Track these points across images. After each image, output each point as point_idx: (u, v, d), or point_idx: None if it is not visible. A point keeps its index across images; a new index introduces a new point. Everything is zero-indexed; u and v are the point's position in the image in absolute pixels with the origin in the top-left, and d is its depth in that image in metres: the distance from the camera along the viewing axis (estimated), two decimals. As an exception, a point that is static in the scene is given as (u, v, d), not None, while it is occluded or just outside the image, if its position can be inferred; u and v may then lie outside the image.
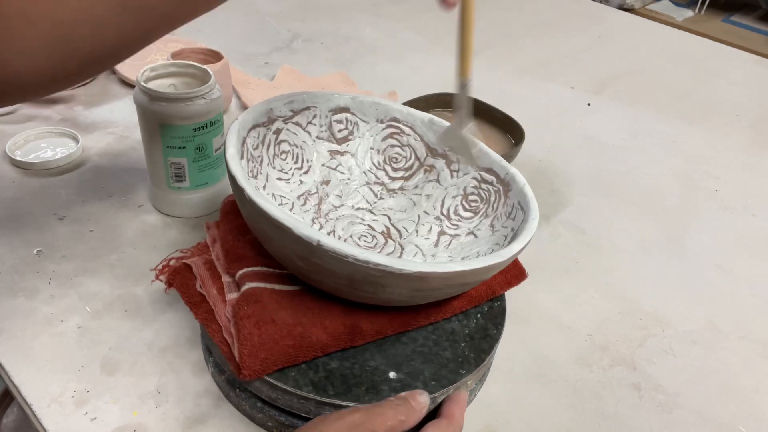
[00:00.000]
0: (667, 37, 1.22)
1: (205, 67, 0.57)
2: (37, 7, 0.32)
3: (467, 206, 0.52)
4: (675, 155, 0.83)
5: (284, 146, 0.51)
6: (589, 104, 0.93)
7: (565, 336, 0.54)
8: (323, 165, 0.54)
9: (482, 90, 0.80)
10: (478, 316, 0.47)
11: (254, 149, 0.48)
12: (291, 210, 0.52)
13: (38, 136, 0.67)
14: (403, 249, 0.52)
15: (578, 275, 0.61)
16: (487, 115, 0.75)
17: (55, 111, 0.73)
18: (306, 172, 0.53)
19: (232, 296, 0.43)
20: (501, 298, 0.49)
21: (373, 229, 0.53)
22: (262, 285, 0.43)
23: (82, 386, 0.44)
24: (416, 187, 0.55)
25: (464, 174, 0.53)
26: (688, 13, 1.65)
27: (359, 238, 0.52)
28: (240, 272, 0.44)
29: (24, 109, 0.73)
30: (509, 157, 0.67)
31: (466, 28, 0.41)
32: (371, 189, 0.55)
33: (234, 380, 0.43)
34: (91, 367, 0.46)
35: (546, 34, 1.16)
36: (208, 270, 0.45)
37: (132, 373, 0.46)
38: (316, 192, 0.53)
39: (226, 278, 0.44)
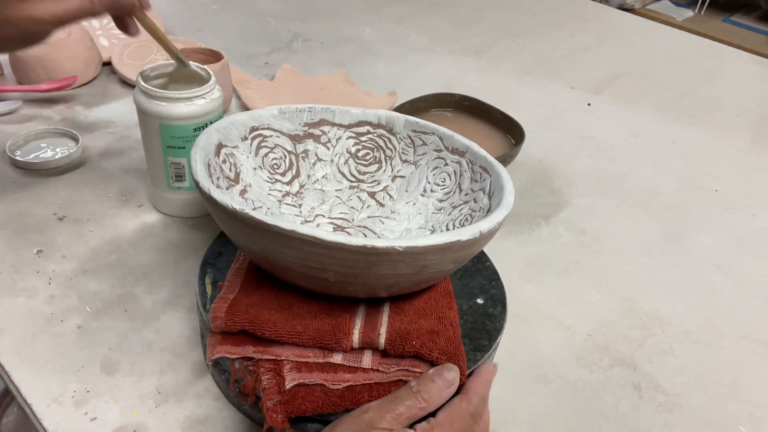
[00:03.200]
0: (667, 37, 1.22)
1: (205, 67, 0.57)
2: None
3: (365, 161, 0.54)
4: (675, 155, 0.83)
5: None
6: (589, 104, 0.93)
7: (565, 336, 0.54)
8: (268, 209, 0.51)
9: (482, 90, 0.80)
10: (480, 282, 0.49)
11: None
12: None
13: (38, 136, 0.67)
14: (366, 228, 0.53)
15: (578, 275, 0.61)
16: (487, 115, 0.75)
17: (55, 111, 0.73)
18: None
19: (368, 358, 0.41)
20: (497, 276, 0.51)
21: (361, 201, 0.54)
22: (382, 324, 0.42)
23: (82, 386, 0.44)
24: (309, 176, 0.54)
25: (337, 140, 0.54)
26: (688, 13, 1.65)
27: (339, 205, 0.54)
28: (355, 337, 0.41)
29: (24, 109, 0.73)
30: (509, 157, 0.67)
31: (158, 35, 0.54)
32: (286, 203, 0.52)
33: (234, 381, 0.43)
34: (91, 367, 0.46)
35: (546, 34, 1.16)
36: (312, 371, 0.40)
37: (132, 373, 0.46)
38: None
39: (337, 357, 0.41)
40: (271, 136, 0.53)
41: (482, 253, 0.52)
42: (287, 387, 0.38)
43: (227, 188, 0.47)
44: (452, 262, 0.40)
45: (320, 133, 0.54)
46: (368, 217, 0.53)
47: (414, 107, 0.74)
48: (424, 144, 0.53)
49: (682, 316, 0.58)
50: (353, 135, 0.54)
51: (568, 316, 0.56)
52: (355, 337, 0.41)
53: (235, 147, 0.50)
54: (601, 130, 0.87)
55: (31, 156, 0.65)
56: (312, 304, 0.43)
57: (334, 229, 0.53)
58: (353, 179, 0.55)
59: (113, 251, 0.56)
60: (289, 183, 0.53)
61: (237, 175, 0.49)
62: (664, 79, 1.04)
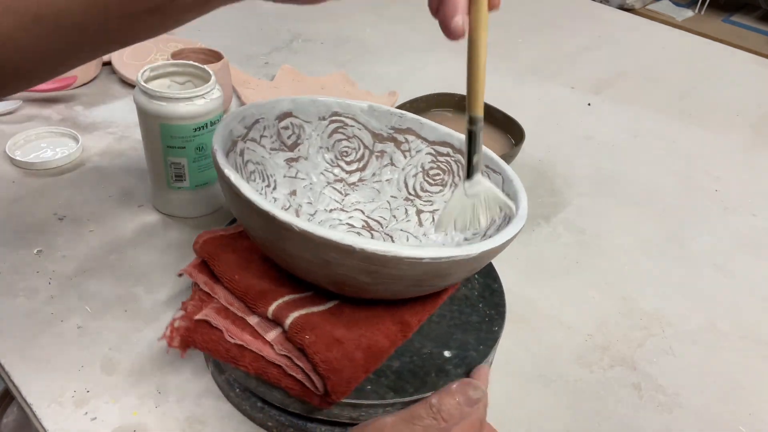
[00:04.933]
0: (667, 37, 1.22)
1: (205, 67, 0.57)
2: None
3: (431, 181, 0.53)
4: (675, 155, 0.83)
5: (250, 166, 0.50)
6: (589, 104, 0.93)
7: (565, 336, 0.54)
8: (284, 176, 0.53)
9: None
10: (475, 276, 0.49)
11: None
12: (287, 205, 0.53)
13: (38, 136, 0.67)
14: (391, 237, 0.52)
15: (578, 275, 0.61)
16: (487, 115, 0.74)
17: (55, 111, 0.73)
18: (274, 189, 0.52)
19: (273, 335, 0.40)
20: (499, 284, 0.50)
21: (353, 226, 0.54)
22: (304, 312, 0.41)
23: (82, 386, 0.44)
24: (374, 174, 0.55)
25: (416, 152, 0.54)
26: (688, 13, 1.65)
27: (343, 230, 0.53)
28: (272, 307, 0.41)
29: (24, 109, 0.73)
30: (509, 157, 0.67)
31: (475, 58, 0.34)
32: (334, 187, 0.55)
33: (234, 380, 0.43)
34: (91, 367, 0.46)
35: (546, 34, 1.16)
36: (227, 318, 0.42)
37: (132, 373, 0.46)
38: (290, 205, 0.53)
39: (253, 319, 0.41)
40: (352, 126, 0.54)
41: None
42: (195, 318, 0.41)
43: (272, 149, 0.52)
44: (414, 284, 0.40)
45: (403, 141, 0.54)
46: (401, 229, 0.53)
47: (414, 107, 0.74)
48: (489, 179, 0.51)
49: (682, 316, 0.58)
50: (433, 152, 0.54)
51: (568, 316, 0.56)
52: (272, 308, 0.41)
53: (307, 122, 0.53)
54: (601, 130, 0.87)
55: (31, 156, 0.65)
56: (270, 272, 0.44)
57: (363, 227, 0.54)
58: (413, 193, 0.54)
59: (113, 251, 0.56)
60: (350, 173, 0.55)
61: (295, 144, 0.53)
62: (664, 79, 1.04)
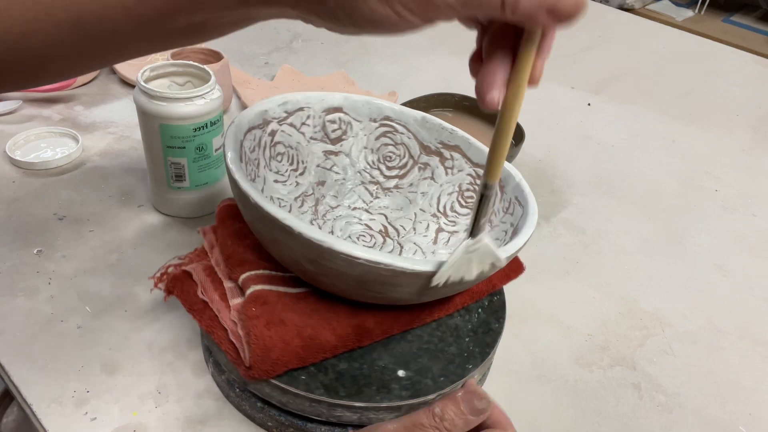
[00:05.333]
0: (667, 37, 1.22)
1: (205, 67, 0.57)
2: None
3: (463, 202, 0.52)
4: (675, 155, 0.83)
5: (279, 148, 0.51)
6: (589, 104, 0.93)
7: (565, 336, 0.54)
8: (318, 166, 0.54)
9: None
10: (479, 310, 0.47)
11: (251, 152, 0.48)
12: (290, 212, 0.52)
13: (38, 136, 0.67)
14: (402, 247, 0.52)
15: (578, 275, 0.61)
16: (487, 115, 0.75)
17: (55, 111, 0.73)
18: (301, 174, 0.53)
19: (236, 301, 0.43)
20: (500, 292, 0.49)
21: (370, 228, 0.53)
22: (267, 287, 0.43)
23: (82, 386, 0.44)
24: (411, 185, 0.54)
25: (459, 171, 0.53)
26: (688, 13, 1.65)
27: (357, 238, 0.53)
28: (243, 276, 0.43)
29: (24, 109, 0.73)
30: (509, 157, 0.67)
31: (504, 130, 0.33)
32: (367, 188, 0.55)
33: (234, 380, 0.43)
34: (91, 367, 0.46)
35: (546, 34, 1.16)
36: (209, 276, 0.45)
37: (132, 373, 0.46)
38: (312, 193, 0.53)
39: (228, 284, 0.44)
40: (402, 134, 0.54)
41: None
42: (183, 268, 0.45)
43: (313, 138, 0.53)
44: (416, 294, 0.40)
45: (449, 157, 0.53)
46: (414, 242, 0.52)
47: (414, 107, 0.74)
48: (511, 214, 0.48)
49: (682, 316, 0.58)
50: (473, 174, 0.53)
51: (568, 316, 0.56)
52: (243, 276, 0.43)
53: (357, 120, 0.54)
54: (601, 130, 0.87)
55: (31, 156, 0.65)
56: (260, 247, 0.45)
57: (379, 231, 0.53)
58: (441, 211, 0.53)
59: (113, 251, 0.56)
60: (388, 178, 0.55)
61: (339, 139, 0.54)
62: (664, 79, 1.04)
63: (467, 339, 0.45)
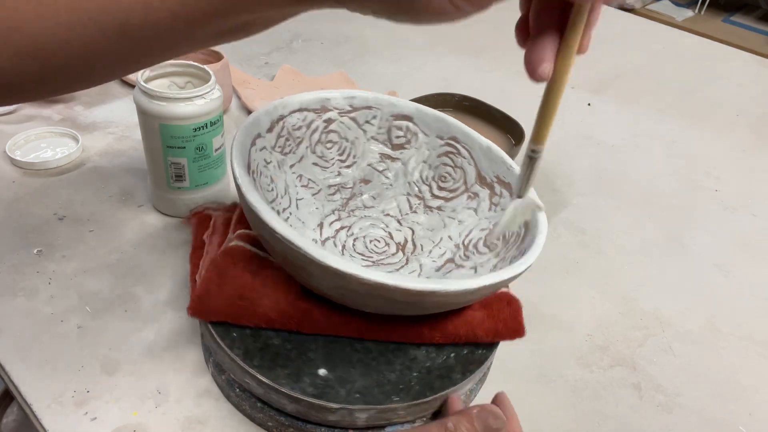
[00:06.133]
0: (667, 37, 1.22)
1: (205, 67, 0.57)
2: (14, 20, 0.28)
3: (488, 244, 0.49)
4: (675, 155, 0.83)
5: (333, 137, 0.52)
6: (589, 104, 0.93)
7: (565, 336, 0.54)
8: (369, 165, 0.54)
9: (482, 90, 0.80)
10: (452, 355, 0.44)
11: (295, 129, 0.50)
12: (316, 194, 0.53)
13: (38, 136, 0.67)
14: (407, 263, 0.51)
15: (578, 275, 0.61)
16: (487, 115, 0.75)
17: (55, 111, 0.73)
18: (348, 167, 0.54)
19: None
20: (489, 350, 0.45)
21: (391, 237, 0.53)
22: (248, 246, 0.45)
23: (82, 386, 0.44)
24: (453, 210, 0.53)
25: (501, 210, 0.50)
26: (688, 13, 1.65)
27: (371, 242, 0.53)
28: (239, 231, 0.46)
29: (24, 109, 0.73)
30: (509, 157, 0.67)
31: (554, 94, 0.34)
32: (408, 200, 0.54)
33: (234, 380, 0.43)
34: (91, 367, 0.46)
35: (546, 34, 1.16)
36: (223, 225, 0.49)
37: (132, 373, 0.46)
38: (351, 187, 0.54)
39: (230, 236, 0.47)
40: (465, 158, 0.53)
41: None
42: (209, 212, 0.53)
43: (373, 138, 0.54)
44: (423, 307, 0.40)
45: (498, 194, 0.51)
46: (421, 263, 0.51)
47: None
48: (521, 243, 0.46)
49: (682, 316, 0.58)
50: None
51: (568, 316, 0.56)
52: (238, 232, 0.46)
53: (425, 134, 0.54)
54: (601, 130, 0.87)
55: (31, 156, 0.65)
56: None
57: (399, 243, 0.53)
58: (464, 246, 0.51)
59: (113, 251, 0.56)
60: (434, 197, 0.54)
61: (401, 146, 0.54)
62: (664, 79, 1.04)
63: (415, 374, 0.42)
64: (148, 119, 0.54)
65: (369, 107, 0.53)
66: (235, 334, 0.42)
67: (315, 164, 0.53)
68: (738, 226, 0.71)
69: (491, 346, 0.46)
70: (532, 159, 0.36)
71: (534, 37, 0.32)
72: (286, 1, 0.29)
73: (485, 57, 1.02)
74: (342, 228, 0.53)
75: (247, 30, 0.32)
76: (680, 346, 0.55)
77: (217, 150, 0.58)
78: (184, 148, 0.55)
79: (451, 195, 0.53)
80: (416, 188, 0.54)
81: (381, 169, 0.54)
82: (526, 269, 0.40)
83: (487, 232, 0.49)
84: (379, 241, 0.53)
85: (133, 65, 0.33)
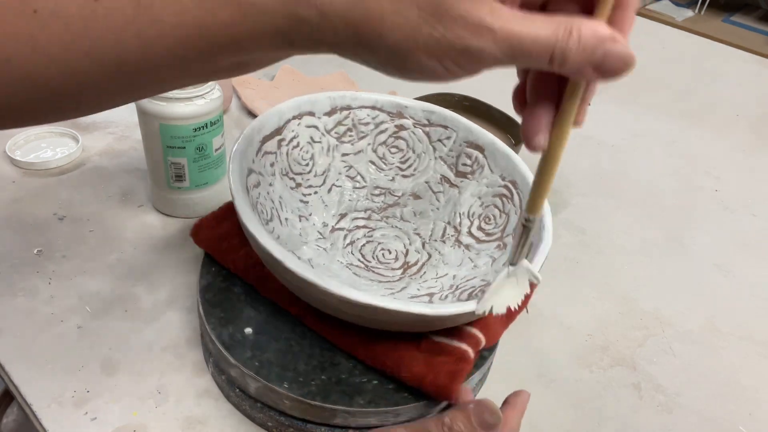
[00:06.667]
0: (667, 37, 1.22)
1: (205, 67, 0.57)
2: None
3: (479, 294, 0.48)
4: (675, 155, 0.83)
5: (401, 144, 0.52)
6: (589, 104, 0.93)
7: (565, 336, 0.54)
8: (426, 182, 0.53)
9: (482, 90, 0.80)
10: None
11: (362, 123, 0.51)
12: (359, 189, 0.54)
13: (38, 136, 0.67)
14: (398, 281, 0.50)
15: (578, 275, 0.61)
16: (487, 115, 0.75)
17: (55, 111, 0.73)
18: (405, 177, 0.54)
19: None
20: (490, 351, 0.44)
21: (405, 254, 0.52)
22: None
23: (82, 386, 0.44)
24: (478, 254, 0.49)
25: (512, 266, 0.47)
26: (688, 13, 1.65)
27: (381, 250, 0.52)
28: None
29: (24, 109, 0.73)
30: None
31: (549, 165, 0.34)
32: (446, 228, 0.52)
33: (234, 380, 0.43)
34: (91, 367, 0.46)
35: (546, 34, 1.15)
36: None
37: (132, 373, 0.46)
38: (399, 197, 0.53)
39: None
40: (515, 205, 0.49)
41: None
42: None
43: (441, 158, 0.53)
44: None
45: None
46: (420, 283, 0.49)
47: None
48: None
49: (682, 316, 0.58)
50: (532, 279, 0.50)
51: (568, 316, 0.56)
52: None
53: (491, 169, 0.51)
54: (601, 130, 0.87)
55: (31, 156, 0.65)
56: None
57: (404, 264, 0.51)
58: (474, 288, 0.47)
59: (113, 251, 0.56)
60: (470, 235, 0.51)
61: (463, 174, 0.52)
62: (664, 79, 1.04)
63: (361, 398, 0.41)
64: (148, 119, 0.54)
65: (445, 126, 0.52)
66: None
67: (372, 162, 0.53)
68: (738, 226, 0.71)
69: (492, 346, 0.45)
70: (526, 228, 0.36)
71: (531, 106, 0.32)
72: (281, 46, 0.29)
73: (485, 57, 1.02)
74: (364, 227, 0.53)
75: (243, 69, 0.32)
76: (680, 346, 0.55)
77: (217, 150, 0.58)
78: (184, 148, 0.55)
79: (485, 238, 0.50)
80: (458, 220, 0.52)
81: (436, 190, 0.53)
82: (464, 312, 0.37)
83: (478, 289, 0.45)
84: (390, 253, 0.52)
85: (127, 99, 0.32)
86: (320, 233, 0.52)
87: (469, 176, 0.52)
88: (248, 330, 0.44)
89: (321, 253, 0.51)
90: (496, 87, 0.94)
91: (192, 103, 0.53)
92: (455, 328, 0.42)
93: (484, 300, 0.37)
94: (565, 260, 0.63)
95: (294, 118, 0.50)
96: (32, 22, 0.26)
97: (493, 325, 0.44)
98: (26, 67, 0.27)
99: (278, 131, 0.49)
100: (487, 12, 0.26)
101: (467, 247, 0.50)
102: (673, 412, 0.49)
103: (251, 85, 0.83)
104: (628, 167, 0.79)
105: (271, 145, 0.49)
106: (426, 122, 0.52)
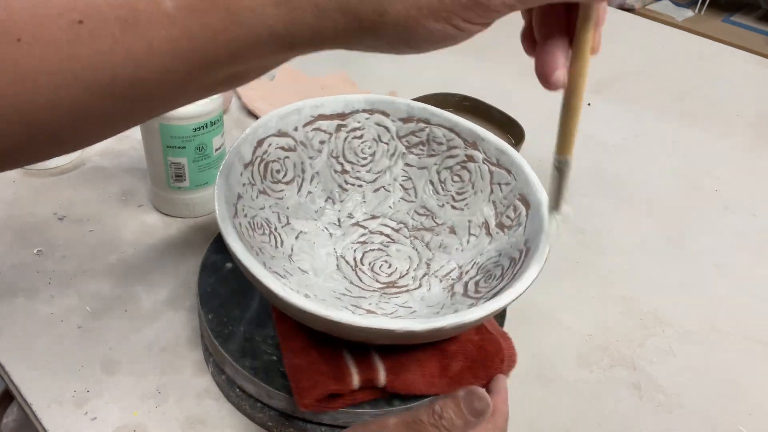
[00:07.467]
0: (667, 37, 1.22)
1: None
2: None
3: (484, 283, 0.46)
4: (675, 155, 0.83)
5: (464, 175, 0.50)
6: (589, 104, 0.93)
7: (565, 336, 0.54)
8: (469, 221, 0.50)
9: (482, 90, 0.80)
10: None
11: (437, 143, 0.51)
12: (402, 200, 0.52)
13: (38, 136, 0.67)
14: (377, 293, 0.49)
15: (578, 275, 0.61)
16: (487, 115, 0.75)
17: (55, 111, 0.73)
18: (455, 208, 0.51)
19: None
20: None
21: (399, 277, 0.49)
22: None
23: (82, 386, 0.44)
24: (454, 305, 0.46)
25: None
26: (688, 13, 1.65)
27: (382, 262, 0.50)
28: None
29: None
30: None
31: (574, 101, 0.33)
32: (452, 272, 0.49)
33: (234, 380, 0.43)
34: (91, 367, 0.46)
35: (546, 34, 1.15)
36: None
37: (132, 373, 0.46)
38: (438, 225, 0.51)
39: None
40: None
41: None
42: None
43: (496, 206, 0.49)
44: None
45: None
46: (413, 295, 0.48)
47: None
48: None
49: (682, 316, 0.58)
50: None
51: (568, 316, 0.56)
52: None
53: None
54: (602, 130, 0.87)
55: (31, 156, 0.65)
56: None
57: (396, 282, 0.50)
58: (469, 292, 0.47)
59: (113, 251, 0.56)
60: (477, 288, 0.47)
61: (506, 227, 0.48)
62: (664, 79, 1.04)
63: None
64: (148, 119, 0.54)
65: (509, 171, 0.48)
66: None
67: (431, 182, 0.52)
68: (738, 226, 0.71)
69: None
70: (560, 170, 0.35)
71: (542, 44, 0.31)
72: (279, 49, 0.27)
73: (485, 57, 1.02)
74: (386, 236, 0.51)
75: (240, 80, 0.31)
76: (680, 346, 0.55)
77: (217, 150, 0.58)
78: (184, 148, 0.55)
79: (474, 294, 0.46)
80: (469, 268, 0.48)
81: (473, 232, 0.49)
82: (373, 327, 0.35)
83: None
84: (389, 267, 0.50)
85: (126, 124, 0.31)
86: (339, 220, 0.52)
87: (506, 230, 0.47)
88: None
89: (322, 234, 0.51)
90: (496, 87, 0.94)
91: (192, 103, 0.53)
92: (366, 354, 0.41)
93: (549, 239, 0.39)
94: (565, 260, 0.63)
95: (364, 111, 0.51)
96: (17, 50, 0.25)
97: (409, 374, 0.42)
98: (16, 100, 0.26)
99: (341, 116, 0.51)
100: None
101: (453, 295, 0.46)
102: (673, 412, 0.49)
103: (251, 85, 0.83)
104: (628, 167, 0.79)
105: (328, 125, 0.50)
106: (495, 161, 0.49)
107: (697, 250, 0.67)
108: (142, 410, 0.43)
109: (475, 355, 0.42)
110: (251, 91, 0.81)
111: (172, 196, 0.59)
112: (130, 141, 0.70)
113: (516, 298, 0.38)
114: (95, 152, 0.67)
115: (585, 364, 0.52)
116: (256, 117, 0.77)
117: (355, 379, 0.39)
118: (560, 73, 0.31)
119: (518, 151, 0.69)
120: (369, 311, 0.46)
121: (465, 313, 0.36)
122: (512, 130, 0.72)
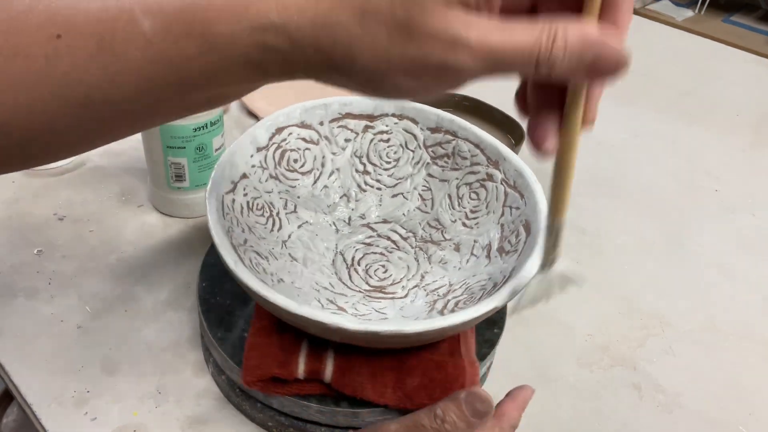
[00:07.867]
0: (667, 37, 1.22)
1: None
2: None
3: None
4: (675, 155, 0.83)
5: (482, 193, 0.49)
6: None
7: (565, 336, 0.54)
8: (475, 241, 0.48)
9: (482, 90, 0.80)
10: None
11: (462, 157, 0.50)
12: (417, 210, 0.52)
13: (38, 136, 0.67)
14: (366, 297, 0.48)
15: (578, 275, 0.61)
16: (487, 115, 0.75)
17: (55, 111, 0.73)
18: (465, 226, 0.49)
19: None
20: (490, 350, 0.45)
21: (391, 284, 0.49)
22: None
23: (82, 386, 0.44)
24: (428, 318, 0.45)
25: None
26: (688, 13, 1.65)
27: (379, 266, 0.50)
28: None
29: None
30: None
31: (564, 169, 0.32)
32: (441, 288, 0.48)
33: (234, 380, 0.43)
34: (91, 367, 0.46)
35: (546, 34, 1.15)
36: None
37: (132, 373, 0.46)
38: (445, 240, 0.50)
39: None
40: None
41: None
42: None
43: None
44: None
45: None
46: (405, 300, 0.48)
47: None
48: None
49: (682, 316, 0.58)
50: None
51: (568, 316, 0.56)
52: None
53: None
54: (601, 130, 0.86)
55: (31, 156, 0.65)
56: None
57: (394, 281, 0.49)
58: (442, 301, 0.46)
59: (113, 251, 0.56)
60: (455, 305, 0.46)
61: (506, 253, 0.46)
62: (664, 79, 1.04)
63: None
64: (148, 119, 0.54)
65: (522, 195, 0.47)
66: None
67: (449, 196, 0.51)
68: (738, 226, 0.71)
69: (492, 345, 0.45)
70: (550, 231, 0.35)
71: (534, 111, 0.31)
72: (254, 76, 0.27)
73: (485, 57, 1.02)
74: (392, 242, 0.51)
75: (219, 102, 0.31)
76: (680, 346, 0.55)
77: (217, 150, 0.58)
78: (184, 148, 0.55)
79: (449, 310, 0.44)
80: (458, 287, 0.47)
81: (476, 253, 0.48)
82: (331, 324, 0.35)
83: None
84: (384, 273, 0.49)
85: (99, 140, 0.31)
86: (349, 218, 0.52)
87: (503, 255, 0.45)
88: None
89: (328, 229, 0.51)
90: (496, 87, 0.94)
91: (171, 121, 0.53)
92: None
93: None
94: (564, 260, 0.63)
95: (393, 115, 0.51)
96: None
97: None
98: None
99: (369, 117, 0.52)
100: (460, 26, 0.24)
101: (431, 311, 0.45)
102: (673, 412, 0.49)
103: (251, 85, 0.83)
104: (628, 167, 0.79)
105: (355, 124, 0.51)
106: (512, 183, 0.47)
107: (697, 250, 0.67)
108: (142, 410, 0.43)
109: (434, 375, 0.40)
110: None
111: (172, 196, 0.59)
112: (130, 141, 0.69)
113: (462, 323, 0.36)
114: (95, 152, 0.67)
115: (585, 364, 0.52)
116: (256, 117, 0.77)
117: (300, 369, 0.39)
118: (549, 144, 0.31)
119: (517, 152, 0.69)
120: (340, 308, 0.45)
121: (405, 323, 0.35)
122: (512, 131, 0.72)
